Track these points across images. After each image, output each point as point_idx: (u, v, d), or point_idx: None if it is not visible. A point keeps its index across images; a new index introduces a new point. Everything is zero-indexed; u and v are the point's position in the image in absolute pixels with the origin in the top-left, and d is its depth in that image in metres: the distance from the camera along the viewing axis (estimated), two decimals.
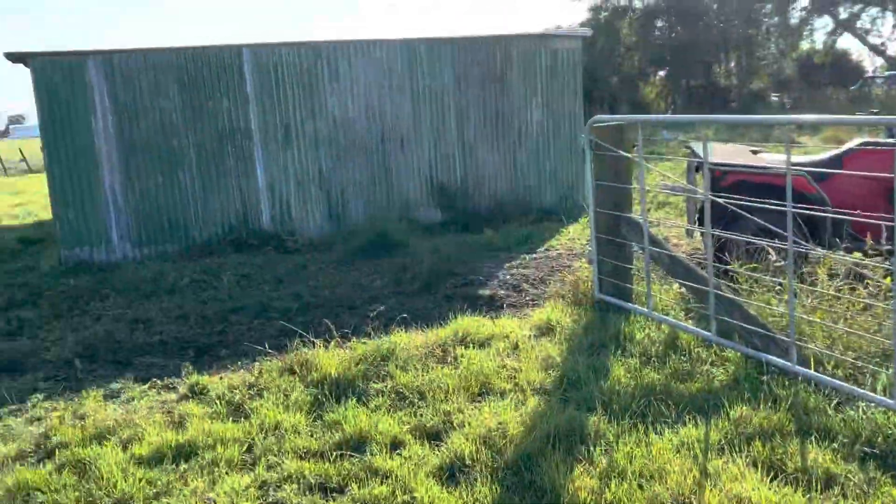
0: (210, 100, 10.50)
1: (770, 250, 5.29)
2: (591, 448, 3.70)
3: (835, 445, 3.59)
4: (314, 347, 5.30)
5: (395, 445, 3.96)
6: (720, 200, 4.84)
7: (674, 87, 41.79)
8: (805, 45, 43.60)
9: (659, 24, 41.83)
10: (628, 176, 5.74)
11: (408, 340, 5.41)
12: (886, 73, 36.43)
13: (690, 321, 5.28)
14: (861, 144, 6.73)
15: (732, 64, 42.83)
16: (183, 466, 3.92)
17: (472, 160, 11.67)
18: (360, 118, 11.13)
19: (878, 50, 40.69)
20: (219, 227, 10.67)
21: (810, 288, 4.83)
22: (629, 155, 5.46)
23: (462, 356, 5.07)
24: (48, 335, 6.89)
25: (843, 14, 39.46)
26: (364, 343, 5.48)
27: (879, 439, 3.61)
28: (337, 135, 11.06)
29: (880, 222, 4.73)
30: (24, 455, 4.25)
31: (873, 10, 38.10)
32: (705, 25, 38.83)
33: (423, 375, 4.78)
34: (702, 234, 6.70)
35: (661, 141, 11.19)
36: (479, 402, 4.43)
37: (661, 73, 43.18)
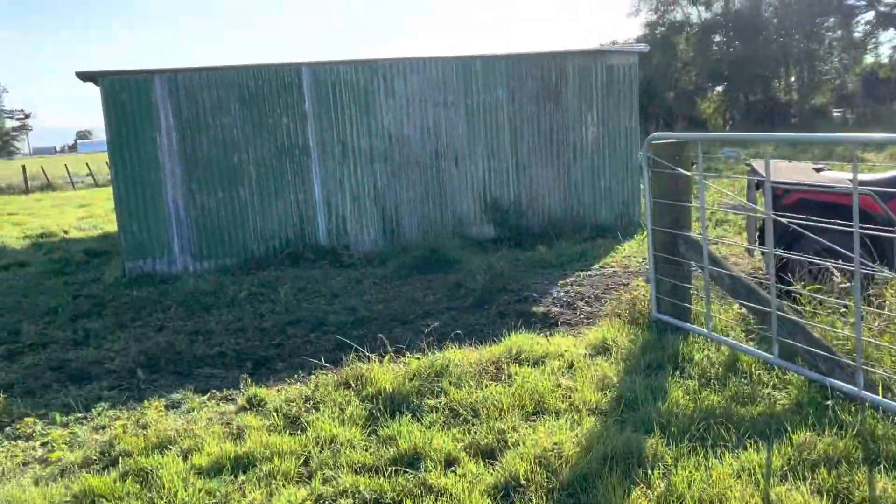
0: (270, 116, 10.73)
1: (834, 271, 5.15)
2: (649, 471, 3.64)
3: None
4: (369, 362, 5.34)
5: (450, 462, 3.96)
6: (782, 219, 4.73)
7: (732, 103, 41.13)
8: (869, 60, 42.49)
9: (716, 38, 41.30)
10: (687, 194, 5.66)
11: (461, 357, 5.41)
12: None
13: (751, 343, 5.17)
14: None
15: (793, 79, 41.98)
16: (241, 478, 3.98)
17: (526, 176, 11.65)
18: (414, 134, 11.24)
19: None
20: (276, 240, 10.87)
21: (877, 311, 4.68)
22: (688, 172, 5.39)
23: (516, 374, 5.05)
24: (112, 345, 7.10)
25: None
26: (418, 358, 5.50)
27: None
28: (392, 151, 11.18)
29: None
30: (90, 462, 4.38)
31: None
32: (764, 40, 38.14)
33: (476, 392, 4.78)
34: (762, 253, 6.56)
35: (722, 159, 10.99)
36: (534, 421, 4.40)
37: (719, 88, 42.56)
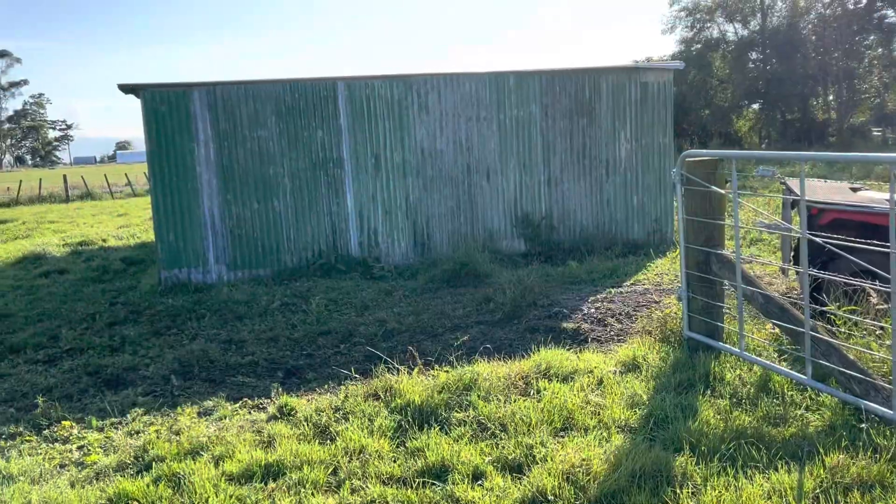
0: (305, 129, 10.89)
1: (871, 292, 5.08)
2: (678, 490, 3.62)
3: None
4: (398, 374, 5.37)
5: (477, 476, 3.97)
6: (817, 239, 4.69)
7: (768, 121, 40.68)
8: None
9: (753, 56, 40.93)
10: (721, 211, 5.63)
11: (490, 371, 5.42)
12: None
13: (784, 363, 5.11)
14: None
15: (831, 97, 41.39)
16: (271, 485, 4.03)
17: (558, 192, 11.66)
18: (447, 149, 11.31)
19: None
20: (309, 252, 10.99)
21: None
22: (722, 190, 5.36)
23: (545, 389, 5.05)
24: (147, 352, 7.22)
25: None
26: (447, 371, 5.52)
27: None
28: (424, 165, 11.26)
29: None
30: (124, 466, 4.46)
31: None
32: (802, 58, 37.71)
33: (504, 407, 4.79)
34: (797, 273, 6.49)
35: (757, 177, 10.87)
36: (562, 436, 4.39)
37: (755, 106, 42.14)
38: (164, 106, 10.49)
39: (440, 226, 11.38)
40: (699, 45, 41.90)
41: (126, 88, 10.66)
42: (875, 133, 39.34)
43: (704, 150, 5.80)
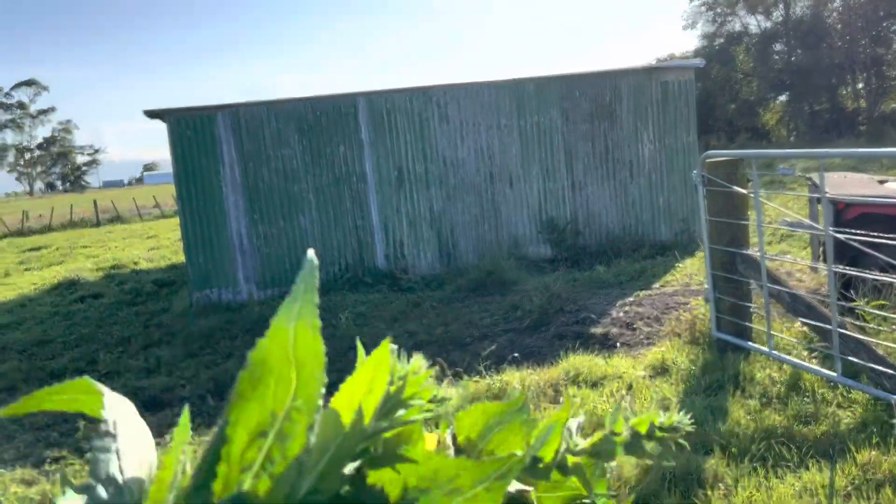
0: (328, 146, 11.02)
1: None
2: (709, 491, 3.62)
3: None
4: None
5: None
6: (840, 236, 4.66)
7: (795, 113, 40.15)
8: None
9: (777, 48, 40.44)
10: (744, 211, 5.61)
11: (519, 379, 5.45)
12: None
13: (814, 361, 5.07)
14: None
15: (860, 86, 40.73)
16: None
17: (582, 196, 11.65)
18: (469, 158, 11.37)
19: None
20: (336, 266, 11.10)
21: None
22: (743, 191, 5.35)
23: (574, 396, 5.06)
24: (183, 372, 7.36)
25: None
26: (476, 381, 5.56)
27: None
28: (447, 175, 11.33)
29: None
30: None
31: None
32: (828, 47, 37.17)
33: (534, 415, 4.80)
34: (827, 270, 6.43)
35: (779, 176, 10.78)
36: None
37: (782, 98, 41.61)
38: (190, 130, 10.70)
39: (465, 234, 11.43)
40: (721, 40, 41.51)
41: (151, 114, 10.88)
42: None
43: (725, 151, 5.79)
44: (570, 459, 0.67)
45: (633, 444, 0.69)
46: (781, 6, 40.04)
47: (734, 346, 5.49)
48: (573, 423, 0.70)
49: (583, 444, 0.68)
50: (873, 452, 3.76)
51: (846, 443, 3.92)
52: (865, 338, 4.65)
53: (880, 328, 4.96)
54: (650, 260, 10.64)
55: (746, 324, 5.56)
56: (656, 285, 9.07)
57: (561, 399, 5.10)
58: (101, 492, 0.48)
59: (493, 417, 0.66)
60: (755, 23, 41.66)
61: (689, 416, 0.71)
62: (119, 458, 0.51)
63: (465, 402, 5.08)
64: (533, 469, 0.65)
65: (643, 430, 0.68)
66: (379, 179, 11.17)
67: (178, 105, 11.09)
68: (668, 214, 11.82)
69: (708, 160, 5.57)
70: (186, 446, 0.54)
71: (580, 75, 11.61)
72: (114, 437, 0.52)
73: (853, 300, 5.40)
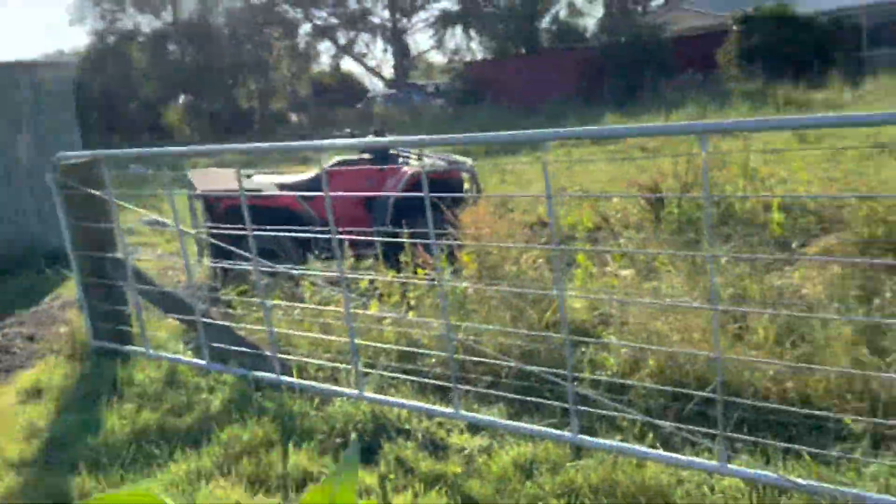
0: None
1: (255, 273, 5.55)
2: None
3: (313, 443, 3.91)
4: None
5: None
6: (192, 231, 4.92)
7: (195, 112, 41.62)
8: (316, 68, 47.25)
9: (171, 48, 41.26)
10: (108, 213, 5.51)
11: None
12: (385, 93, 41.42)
13: (189, 353, 5.28)
14: (337, 164, 7.42)
15: (253, 87, 44.25)
16: None
17: None
18: None
19: (375, 71, 46.08)
20: None
21: (291, 304, 5.20)
22: (97, 192, 5.24)
23: None
24: None
25: (342, 40, 43.85)
26: None
27: (350, 427, 4.03)
28: None
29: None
30: None
31: (366, 36, 43.13)
32: (218, 49, 39.44)
33: None
34: (210, 265, 6.76)
35: (136, 175, 10.84)
36: None
37: (182, 97, 42.71)
38: None
39: None
40: (114, 37, 40.53)
41: None
42: (294, 118, 43.43)
43: (80, 152, 5.60)
44: None
45: None
46: (170, 7, 41.00)
47: (114, 353, 5.39)
48: None
49: None
50: (235, 428, 4.07)
51: (213, 425, 4.16)
52: (229, 323, 5.03)
53: (244, 313, 5.41)
54: (42, 274, 9.78)
55: (125, 328, 5.50)
56: (46, 300, 8.39)
57: None
58: None
59: None
60: (146, 22, 41.83)
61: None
62: None
63: None
64: None
65: None
66: None
67: None
68: (59, 221, 11.00)
69: (63, 162, 5.31)
70: None
71: None
72: None
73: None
